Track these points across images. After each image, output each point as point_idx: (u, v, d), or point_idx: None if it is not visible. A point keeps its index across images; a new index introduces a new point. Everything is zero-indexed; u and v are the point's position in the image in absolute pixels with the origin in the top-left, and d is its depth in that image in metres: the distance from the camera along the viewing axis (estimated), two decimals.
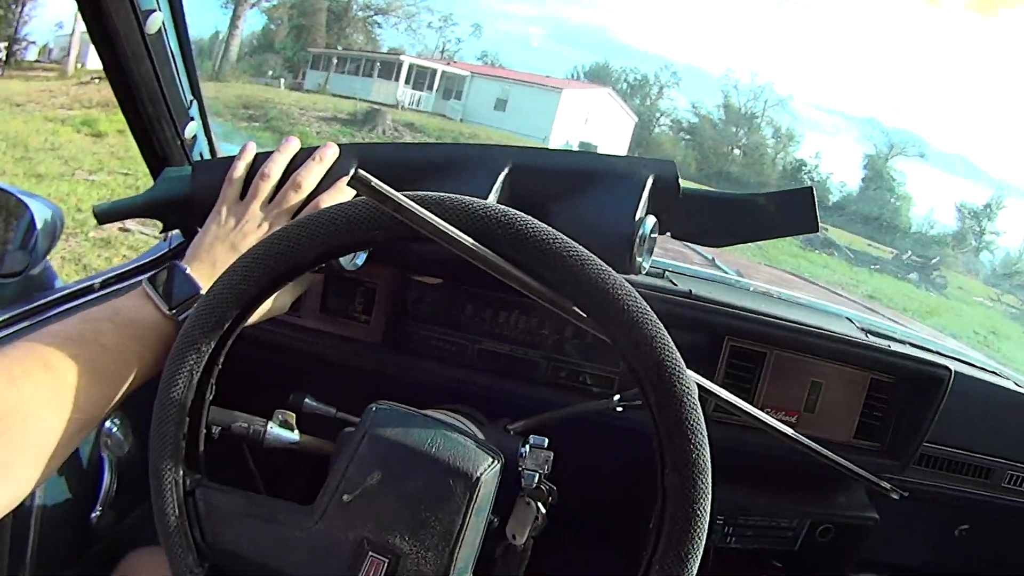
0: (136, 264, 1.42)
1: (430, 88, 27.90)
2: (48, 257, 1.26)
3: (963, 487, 1.63)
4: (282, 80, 26.75)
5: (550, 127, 26.93)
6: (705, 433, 0.79)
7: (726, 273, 1.91)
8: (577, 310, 0.84)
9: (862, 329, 1.60)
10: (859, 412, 1.48)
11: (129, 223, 7.29)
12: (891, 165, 33.33)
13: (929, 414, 1.44)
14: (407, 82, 27.28)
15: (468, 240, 0.81)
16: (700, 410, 0.79)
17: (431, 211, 0.79)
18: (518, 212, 0.81)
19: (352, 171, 0.77)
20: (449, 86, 28.33)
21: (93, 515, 1.23)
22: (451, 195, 0.83)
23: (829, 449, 1.38)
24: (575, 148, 27.42)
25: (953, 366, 1.47)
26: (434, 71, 28.09)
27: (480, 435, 1.12)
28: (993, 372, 1.74)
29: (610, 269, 0.80)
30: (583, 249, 0.80)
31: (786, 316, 1.42)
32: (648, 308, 0.79)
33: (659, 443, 0.80)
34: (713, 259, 2.50)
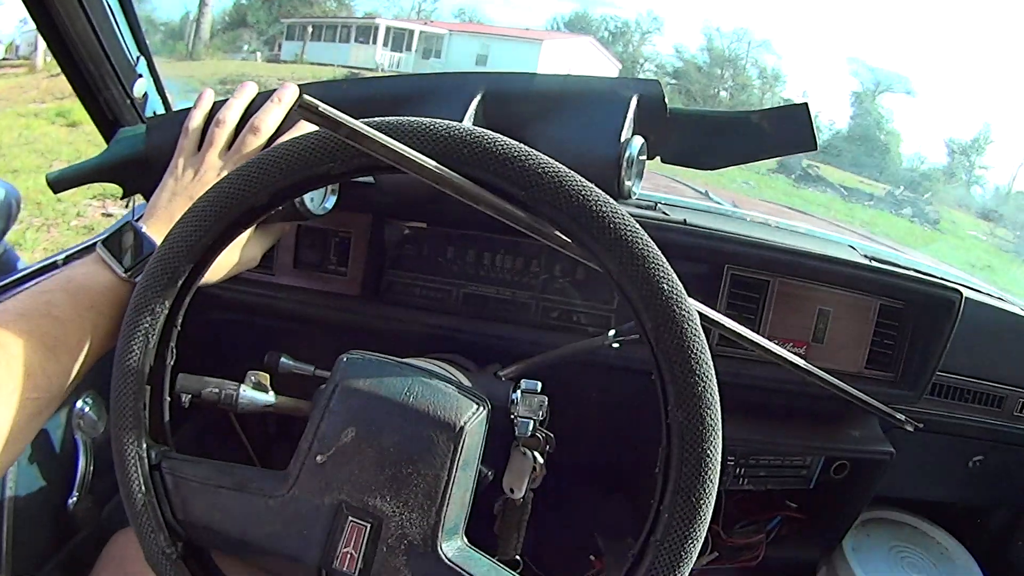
0: (99, 238, 1.34)
1: (409, 49, 27.88)
2: (5, 238, 1.20)
3: (975, 416, 1.61)
4: (258, 54, 26.64)
5: None
6: (710, 363, 0.71)
7: (721, 204, 1.85)
8: (560, 235, 0.76)
9: (866, 256, 1.55)
10: (869, 340, 1.42)
11: (111, 207, 7.24)
12: (878, 102, 33.44)
13: (942, 340, 1.38)
14: (385, 45, 27.24)
15: (430, 163, 0.72)
16: (703, 337, 0.71)
17: (390, 136, 0.71)
18: (485, 130, 0.73)
19: (297, 96, 0.70)
20: (428, 46, 28.33)
21: (70, 501, 1.18)
22: (410, 118, 0.74)
23: (841, 379, 1.34)
24: None
25: (960, 289, 1.42)
26: (411, 32, 28.04)
27: (465, 381, 1.05)
28: (999, 298, 1.70)
29: (592, 185, 0.71)
30: (561, 165, 0.72)
31: (787, 244, 1.35)
32: (638, 227, 0.71)
33: (660, 376, 0.72)
34: (707, 192, 2.44)
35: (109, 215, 6.81)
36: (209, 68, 21.33)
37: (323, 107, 0.68)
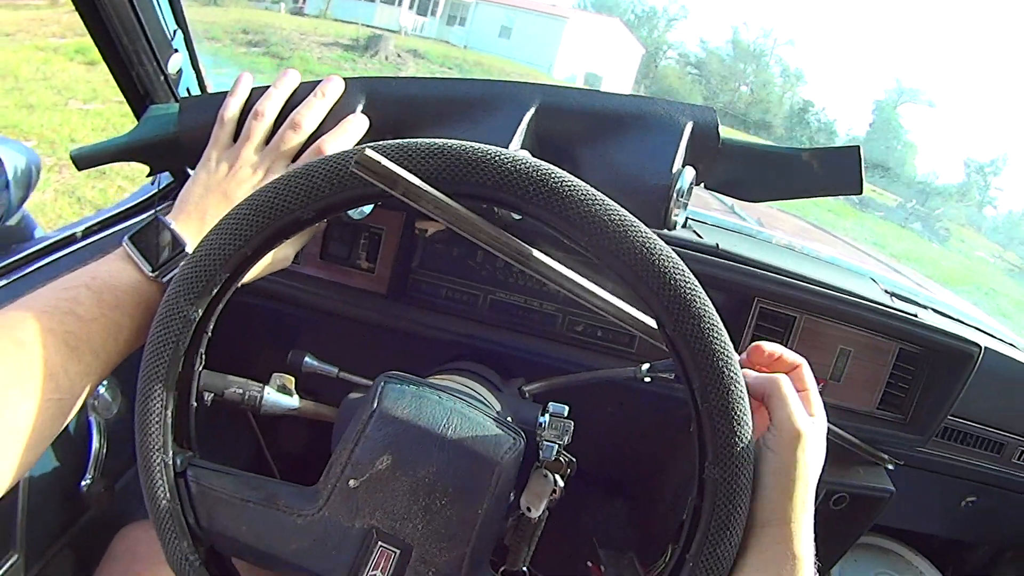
0: (121, 208, 1.33)
1: (434, 14, 27.80)
2: (25, 205, 1.18)
3: (974, 460, 1.63)
4: (283, 4, 26.48)
5: (555, 56, 26.90)
6: (751, 423, 0.71)
7: (746, 222, 1.85)
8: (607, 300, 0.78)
9: (887, 292, 1.55)
10: (885, 382, 1.43)
11: None
12: (899, 112, 33.32)
13: (956, 389, 1.40)
14: (411, 7, 27.11)
15: (488, 228, 0.74)
16: (747, 399, 0.71)
17: (451, 164, 0.71)
18: (551, 167, 0.72)
19: (355, 157, 0.69)
20: (453, 12, 28.22)
21: (83, 482, 1.17)
22: (474, 145, 0.72)
23: (852, 418, 1.39)
24: (580, 78, 27.39)
25: (978, 339, 1.43)
26: None
27: (497, 405, 1.06)
28: (1011, 344, 1.71)
29: (656, 238, 0.71)
30: (626, 213, 0.71)
31: (814, 276, 1.35)
32: (697, 285, 0.71)
33: (700, 432, 0.72)
34: (732, 206, 2.44)
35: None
36: (233, 15, 21.17)
37: (384, 162, 0.68)
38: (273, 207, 0.74)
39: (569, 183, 0.70)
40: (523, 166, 0.70)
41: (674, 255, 0.70)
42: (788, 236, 1.76)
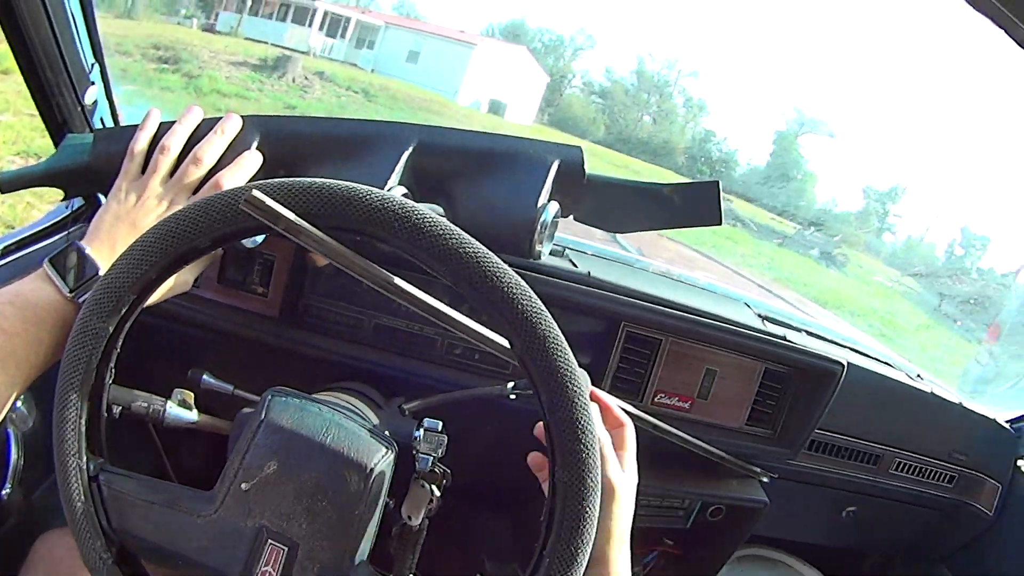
0: (36, 229, 1.38)
1: (343, 36, 27.52)
2: None
3: (851, 472, 1.73)
4: (195, 20, 26.05)
5: (460, 82, 26.85)
6: (595, 431, 0.80)
7: (626, 251, 1.93)
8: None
9: (760, 315, 1.63)
10: (752, 400, 1.52)
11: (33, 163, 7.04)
12: (799, 143, 34.06)
13: (820, 405, 1.49)
14: (320, 29, 26.87)
15: (359, 262, 0.84)
16: (590, 410, 0.80)
17: (324, 201, 0.78)
18: (415, 205, 0.79)
19: (244, 195, 0.75)
20: (363, 35, 27.98)
21: (3, 492, 1.21)
22: (348, 184, 0.80)
23: (721, 434, 1.46)
24: (485, 105, 27.39)
25: (847, 357, 1.52)
26: (348, 19, 27.68)
27: (375, 419, 1.14)
28: (886, 363, 1.81)
29: (507, 268, 0.79)
30: (482, 247, 0.79)
31: (683, 303, 1.43)
32: (543, 310, 0.79)
33: (550, 440, 0.80)
34: (615, 236, 2.51)
35: None
36: (144, 29, 20.70)
37: (268, 202, 0.75)
38: (174, 236, 0.81)
39: (429, 219, 0.78)
40: (390, 204, 0.78)
41: (522, 282, 0.78)
42: (666, 264, 1.82)
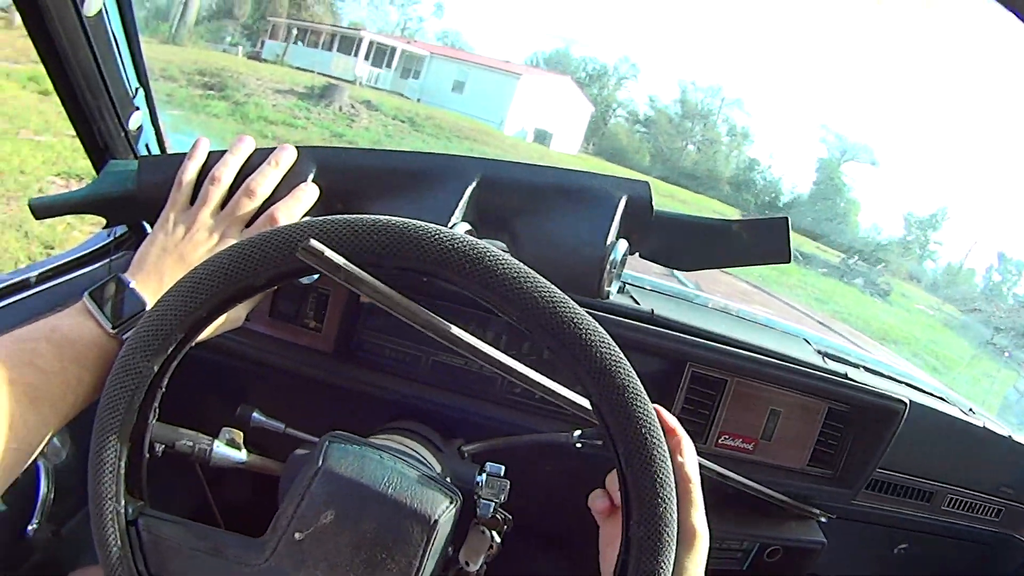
0: (75, 256, 1.34)
1: (389, 66, 27.78)
2: None
3: (905, 509, 1.69)
4: (240, 48, 26.40)
5: (506, 112, 26.95)
6: (673, 485, 0.76)
7: (685, 286, 1.90)
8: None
9: (819, 352, 1.61)
10: (815, 440, 1.48)
11: (75, 186, 7.11)
12: (843, 170, 33.87)
13: (883, 444, 1.46)
14: (366, 58, 27.15)
15: (423, 314, 0.80)
16: (670, 464, 0.76)
17: (386, 239, 0.75)
18: (485, 245, 0.76)
19: (302, 244, 0.73)
20: (408, 65, 28.23)
21: (30, 527, 1.17)
22: (413, 222, 0.77)
23: (783, 475, 1.43)
24: (530, 134, 27.50)
25: (906, 394, 1.49)
26: (394, 49, 27.96)
27: (437, 465, 1.10)
28: (940, 398, 1.79)
29: (585, 314, 0.75)
30: (557, 291, 0.75)
31: (747, 340, 1.40)
32: (622, 358, 0.76)
33: (625, 493, 0.77)
34: (671, 270, 2.50)
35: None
36: (190, 55, 21.02)
37: (328, 253, 0.72)
38: (228, 272, 0.77)
39: (503, 261, 0.75)
40: (461, 244, 0.75)
41: (600, 329, 0.75)
42: (724, 299, 1.80)
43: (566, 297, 0.75)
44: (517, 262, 0.76)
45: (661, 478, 0.75)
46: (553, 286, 0.75)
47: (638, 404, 0.75)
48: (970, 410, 1.84)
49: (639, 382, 0.76)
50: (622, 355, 0.75)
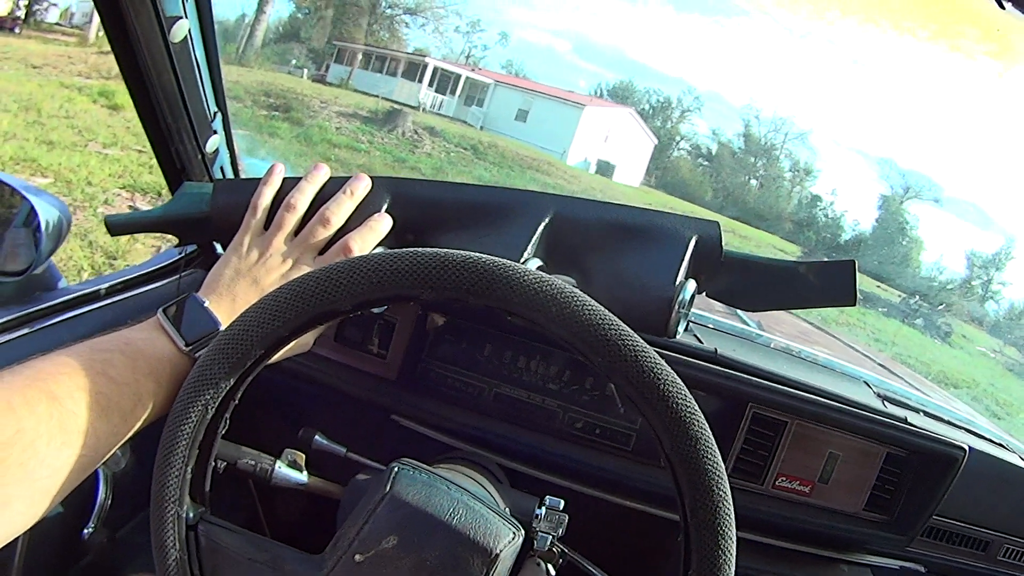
0: (144, 271, 1.38)
1: (452, 92, 27.93)
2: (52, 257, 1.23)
3: (959, 558, 1.64)
4: (305, 71, 26.72)
5: (569, 142, 26.92)
6: (734, 538, 0.78)
7: (747, 325, 1.90)
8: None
9: (879, 395, 1.60)
10: (872, 485, 1.46)
11: (139, 202, 7.25)
12: (905, 207, 33.38)
13: (940, 491, 1.43)
14: (430, 85, 27.30)
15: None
16: (732, 516, 0.78)
17: (485, 277, 0.77)
18: (574, 291, 0.78)
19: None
20: (472, 92, 28.36)
21: (85, 531, 1.19)
22: (508, 264, 0.79)
23: (838, 519, 1.42)
24: (593, 165, 27.46)
25: (964, 439, 1.47)
26: (458, 76, 28.10)
27: (498, 497, 1.11)
28: (1000, 444, 1.75)
29: (665, 365, 0.77)
30: (640, 340, 0.77)
31: (808, 382, 1.40)
32: (696, 409, 0.77)
33: (687, 542, 0.78)
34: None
35: (136, 209, 6.79)
36: (256, 76, 21.33)
37: None
38: (314, 295, 0.80)
39: (589, 307, 0.77)
40: (548, 287, 0.77)
41: (678, 380, 0.77)
42: (786, 339, 1.80)
43: (648, 347, 0.77)
44: (602, 309, 0.77)
45: (723, 530, 0.76)
46: (635, 335, 0.77)
47: (708, 457, 0.76)
48: None
49: (711, 434, 0.77)
50: (696, 406, 0.77)
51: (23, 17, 18.96)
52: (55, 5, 20.99)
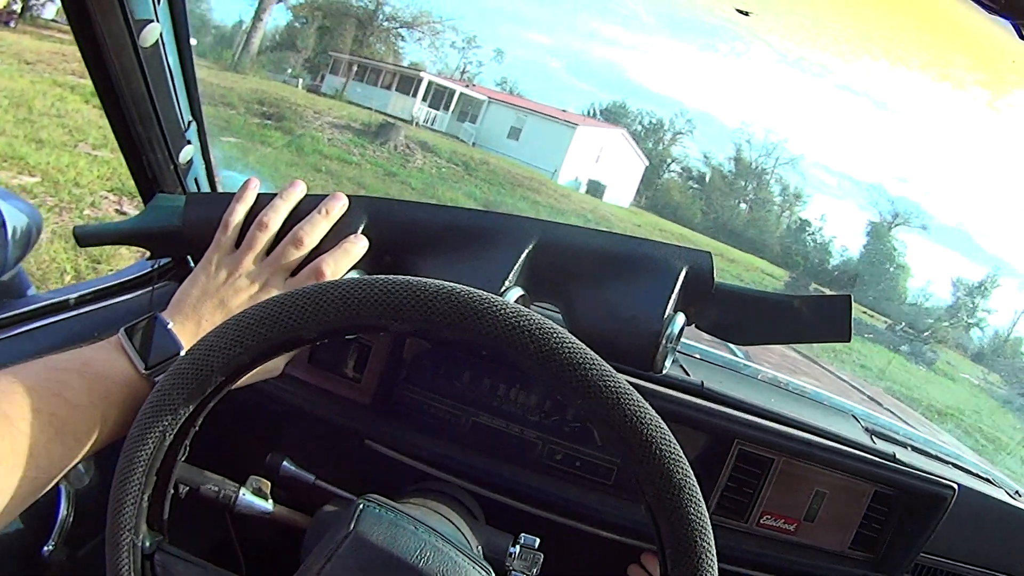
0: (115, 281, 1.35)
1: (446, 108, 28.03)
2: (21, 263, 1.20)
3: None
4: (300, 80, 26.81)
5: (561, 161, 27.04)
6: None
7: (735, 356, 1.88)
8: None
9: (867, 430, 1.57)
10: (858, 523, 1.44)
11: (127, 206, 7.23)
12: (893, 234, 33.63)
13: (928, 529, 1.41)
14: (424, 99, 27.40)
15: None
16: (715, 568, 0.74)
17: (457, 309, 0.74)
18: (554, 327, 0.74)
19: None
20: (465, 108, 28.46)
21: (46, 548, 1.16)
22: (485, 295, 0.75)
23: (824, 558, 1.39)
24: (584, 185, 27.60)
25: (952, 475, 1.46)
26: (452, 91, 28.20)
27: (470, 534, 1.07)
28: (987, 480, 1.72)
29: (649, 409, 0.74)
30: (621, 379, 0.74)
31: (797, 418, 1.38)
32: (682, 458, 0.74)
33: None
34: None
35: (123, 213, 6.78)
36: (250, 84, 21.35)
37: None
38: (279, 321, 0.76)
39: (569, 345, 0.73)
40: (526, 322, 0.73)
41: (662, 425, 0.73)
42: (774, 369, 1.78)
43: (631, 389, 0.73)
44: (584, 347, 0.74)
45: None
46: (619, 376, 0.74)
47: (692, 507, 0.73)
48: (1017, 493, 1.79)
49: (695, 483, 0.74)
50: (681, 454, 0.74)
51: (19, 11, 18.90)
52: (52, 1, 20.88)
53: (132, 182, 1.25)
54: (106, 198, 7.34)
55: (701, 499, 0.74)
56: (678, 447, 0.73)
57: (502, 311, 0.73)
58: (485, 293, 0.75)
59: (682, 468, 0.73)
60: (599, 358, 0.74)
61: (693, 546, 0.73)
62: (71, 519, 1.18)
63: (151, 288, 1.35)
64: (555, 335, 0.73)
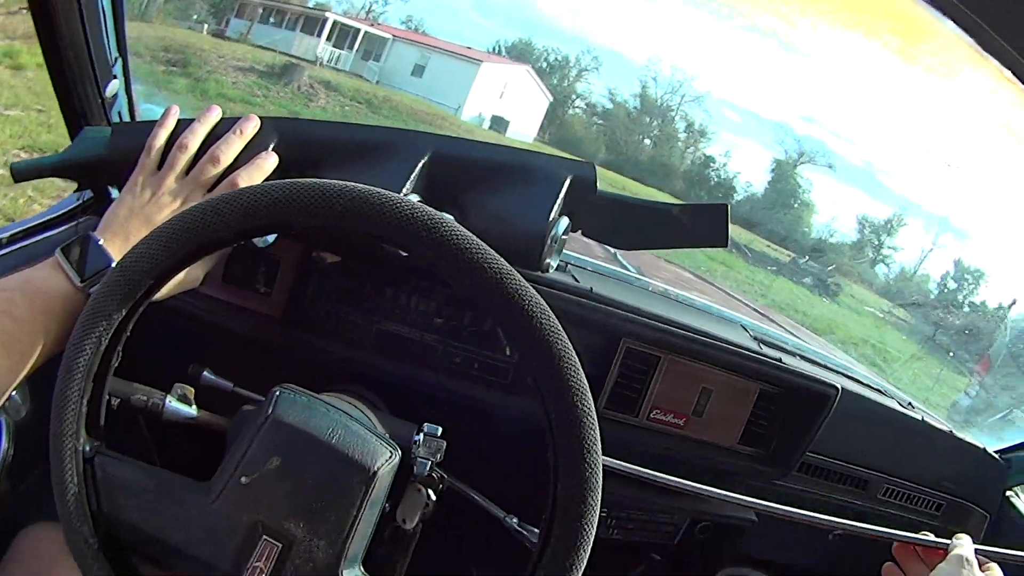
0: (45, 218, 1.38)
1: (351, 47, 27.32)
2: None
3: (840, 496, 1.72)
4: (205, 25, 25.99)
5: (465, 98, 26.67)
6: (600, 454, 0.81)
7: (627, 270, 1.94)
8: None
9: (755, 338, 1.65)
10: (746, 420, 1.52)
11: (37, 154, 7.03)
12: (799, 172, 33.88)
13: (813, 428, 1.50)
14: (329, 39, 26.76)
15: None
16: (598, 436, 0.81)
17: (358, 206, 0.80)
18: (446, 218, 0.81)
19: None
20: (369, 47, 27.78)
21: None
22: (382, 192, 0.81)
23: (714, 452, 1.47)
24: (487, 121, 27.32)
25: (841, 382, 1.54)
26: (357, 30, 27.49)
27: (378, 423, 1.13)
28: (878, 390, 1.82)
29: (531, 290, 0.80)
30: (507, 265, 0.80)
31: (682, 321, 1.44)
32: (559, 328, 0.81)
33: (554, 458, 0.82)
34: (615, 254, 2.53)
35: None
36: (157, 32, 20.62)
37: None
38: (197, 225, 0.83)
39: (457, 232, 0.80)
40: (419, 214, 0.79)
41: (541, 302, 0.80)
42: (665, 284, 1.84)
43: (513, 270, 0.80)
44: (471, 235, 0.81)
45: (588, 443, 0.80)
46: (502, 259, 0.80)
47: (571, 373, 0.80)
48: (909, 404, 1.88)
49: (574, 353, 0.81)
50: (559, 326, 0.81)
51: None
52: None
53: (42, 139, 1.29)
54: (18, 156, 7.10)
55: (579, 367, 0.81)
56: (557, 323, 0.81)
57: (398, 204, 0.80)
58: (383, 191, 0.81)
59: (561, 340, 0.80)
60: (484, 244, 0.80)
61: (573, 409, 0.80)
62: (12, 453, 1.22)
63: (76, 221, 1.39)
64: (445, 224, 0.80)
